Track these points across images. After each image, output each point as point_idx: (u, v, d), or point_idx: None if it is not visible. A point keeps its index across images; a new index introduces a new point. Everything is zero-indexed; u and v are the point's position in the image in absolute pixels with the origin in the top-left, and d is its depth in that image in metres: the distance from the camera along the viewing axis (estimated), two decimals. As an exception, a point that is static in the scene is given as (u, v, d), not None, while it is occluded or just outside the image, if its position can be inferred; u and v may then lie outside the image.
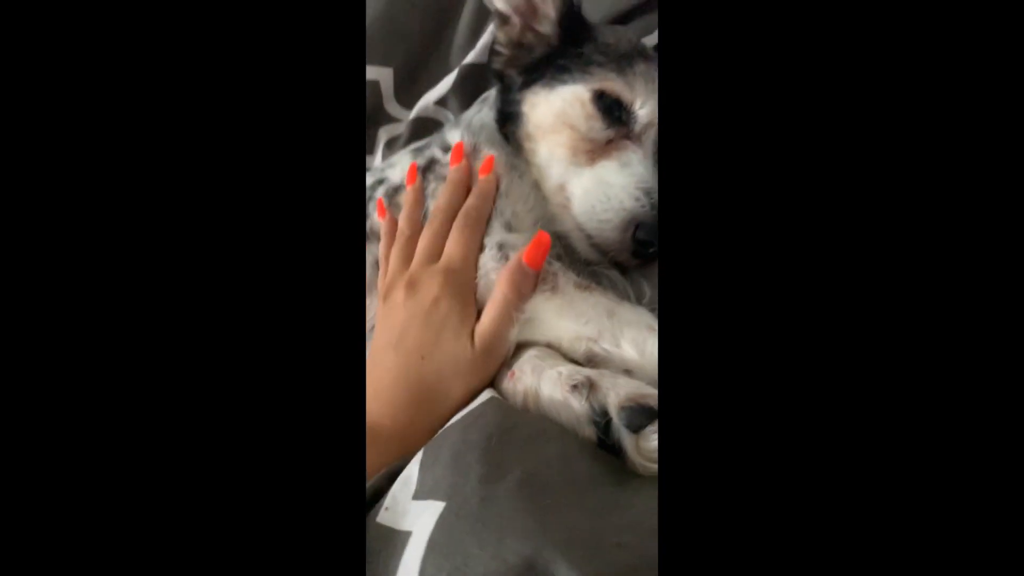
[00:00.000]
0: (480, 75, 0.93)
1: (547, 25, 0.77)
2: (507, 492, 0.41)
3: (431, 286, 0.62)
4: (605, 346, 0.58)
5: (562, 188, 0.71)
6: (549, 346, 0.60)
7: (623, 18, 0.85)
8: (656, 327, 0.57)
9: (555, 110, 0.73)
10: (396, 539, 0.42)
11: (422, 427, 0.54)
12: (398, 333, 0.61)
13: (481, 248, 0.66)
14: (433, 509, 0.42)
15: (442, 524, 0.40)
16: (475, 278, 0.63)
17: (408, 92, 0.99)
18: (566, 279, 0.62)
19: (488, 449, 0.46)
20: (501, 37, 0.79)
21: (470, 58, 0.95)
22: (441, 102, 0.98)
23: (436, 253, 0.66)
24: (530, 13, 0.77)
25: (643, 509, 0.41)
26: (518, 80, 0.77)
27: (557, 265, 0.64)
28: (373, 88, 0.98)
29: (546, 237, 0.61)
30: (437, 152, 0.76)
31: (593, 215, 0.69)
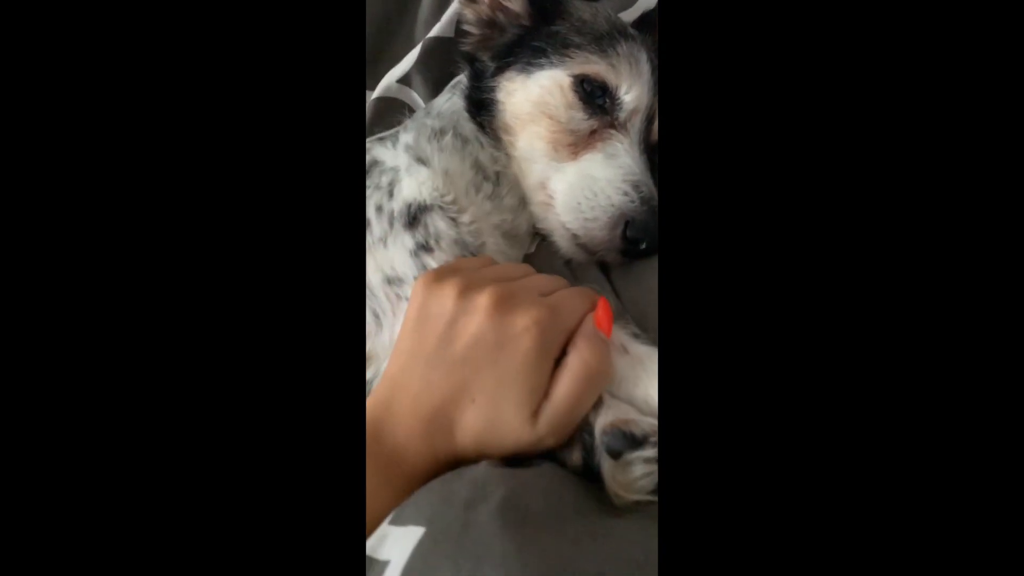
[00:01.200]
0: (445, 50, 0.86)
1: (516, 1, 0.71)
2: (488, 516, 0.40)
3: (529, 312, 0.49)
4: None
5: (543, 185, 0.67)
6: None
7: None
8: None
9: (533, 98, 0.67)
10: (373, 568, 0.41)
11: (437, 468, 0.48)
12: (463, 346, 0.49)
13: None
14: (412, 535, 0.41)
15: (419, 550, 0.39)
16: (567, 337, 0.51)
17: (372, 72, 0.92)
18: None
19: (475, 476, 0.45)
20: (469, 16, 0.73)
21: (434, 31, 0.88)
22: (404, 80, 0.90)
23: (542, 291, 0.54)
24: (497, -12, 0.71)
25: (625, 539, 0.40)
26: (491, 65, 0.71)
27: None
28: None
29: (606, 302, 0.53)
30: (382, 153, 0.69)
31: (579, 213, 0.64)
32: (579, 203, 0.64)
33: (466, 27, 0.74)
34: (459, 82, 0.77)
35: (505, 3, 0.71)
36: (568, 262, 0.67)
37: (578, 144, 0.66)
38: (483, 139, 0.70)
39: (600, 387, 0.50)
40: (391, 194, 0.64)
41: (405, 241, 0.61)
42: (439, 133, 0.69)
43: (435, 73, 0.87)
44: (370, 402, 0.50)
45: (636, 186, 0.63)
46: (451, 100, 0.75)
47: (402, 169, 0.66)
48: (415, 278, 0.59)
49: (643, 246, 0.63)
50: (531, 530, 0.39)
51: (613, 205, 0.63)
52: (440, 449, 0.48)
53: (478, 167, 0.68)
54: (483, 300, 0.49)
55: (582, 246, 0.65)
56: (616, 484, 0.46)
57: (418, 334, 0.51)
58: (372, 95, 0.92)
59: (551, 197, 0.66)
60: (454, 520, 0.40)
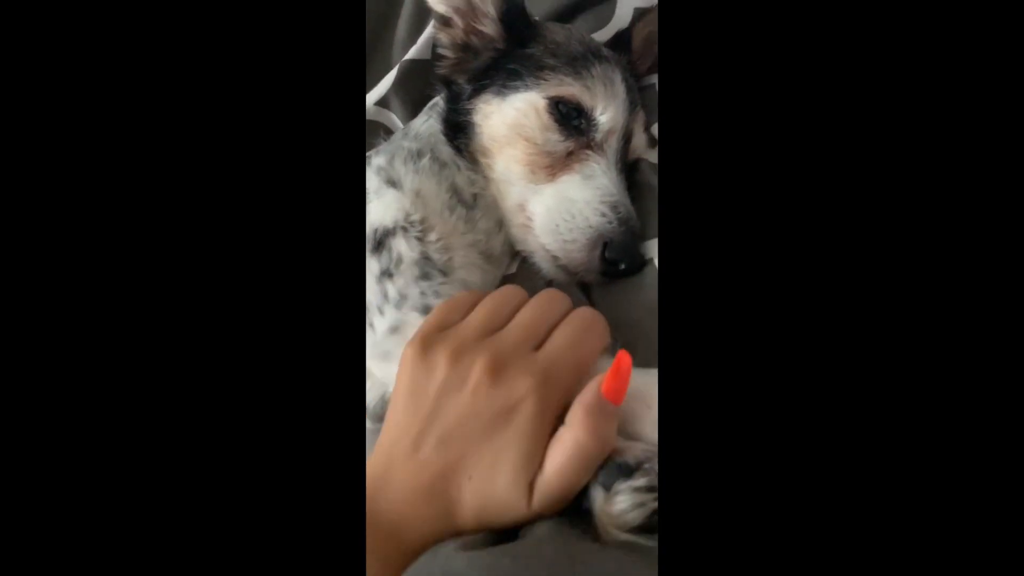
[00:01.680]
0: (422, 72, 0.86)
1: (490, 25, 0.71)
2: (468, 561, 0.40)
3: (523, 380, 0.47)
4: None
5: (522, 207, 0.66)
6: None
7: (567, 14, 0.79)
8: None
9: (509, 121, 0.67)
10: None
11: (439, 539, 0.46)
12: (455, 421, 0.47)
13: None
14: None
15: None
16: (571, 391, 0.48)
17: (348, 94, 0.91)
18: None
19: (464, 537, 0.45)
20: (444, 40, 0.73)
21: (411, 54, 0.88)
22: (382, 103, 0.90)
23: (537, 337, 0.51)
24: (470, 13, 0.71)
25: (603, 570, 0.40)
26: (467, 88, 0.71)
27: None
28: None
29: (627, 361, 0.47)
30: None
31: (558, 235, 0.64)
32: (557, 225, 0.64)
33: (441, 50, 0.73)
34: (436, 104, 0.76)
35: (479, 26, 0.71)
36: (549, 282, 0.66)
37: (555, 166, 0.66)
38: (460, 162, 0.70)
39: (596, 463, 0.46)
40: None
41: (371, 267, 0.61)
42: (416, 155, 0.69)
43: (413, 95, 0.87)
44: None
45: (614, 207, 0.63)
46: (428, 122, 0.75)
47: (371, 192, 0.65)
48: (378, 307, 0.59)
49: (622, 267, 0.62)
50: (509, 563, 0.39)
51: (591, 227, 0.63)
52: (439, 529, 0.45)
53: (454, 190, 0.68)
54: (475, 371, 0.47)
55: (562, 267, 0.65)
56: (603, 516, 0.44)
57: (409, 408, 0.49)
58: (350, 118, 0.92)
59: (530, 219, 0.66)
60: (435, 568, 0.40)
